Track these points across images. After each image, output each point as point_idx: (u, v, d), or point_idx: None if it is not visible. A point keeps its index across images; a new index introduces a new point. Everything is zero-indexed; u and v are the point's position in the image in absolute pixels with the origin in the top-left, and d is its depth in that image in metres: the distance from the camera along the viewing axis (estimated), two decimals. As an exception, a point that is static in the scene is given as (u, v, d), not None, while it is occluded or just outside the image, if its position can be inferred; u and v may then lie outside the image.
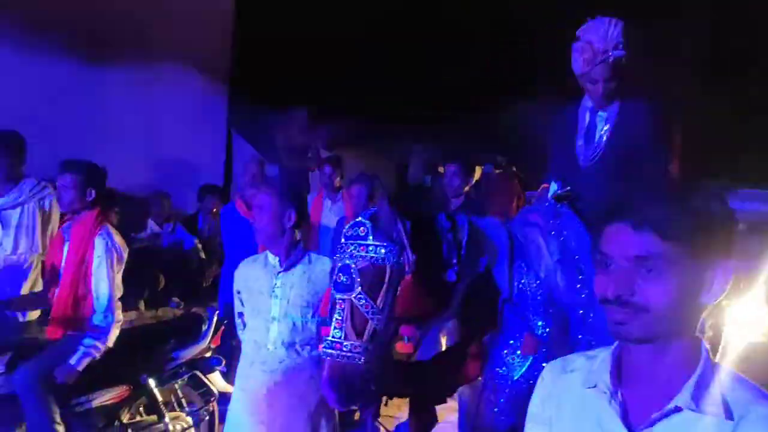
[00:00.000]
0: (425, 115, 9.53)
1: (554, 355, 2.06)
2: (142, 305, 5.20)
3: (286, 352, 2.62)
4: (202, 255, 6.08)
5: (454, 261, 2.13)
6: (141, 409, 3.61)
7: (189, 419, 3.65)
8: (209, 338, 3.75)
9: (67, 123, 6.62)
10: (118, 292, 3.38)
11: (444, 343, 3.01)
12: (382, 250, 1.93)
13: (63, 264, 3.36)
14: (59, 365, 3.19)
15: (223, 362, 3.78)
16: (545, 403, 1.27)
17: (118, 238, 3.38)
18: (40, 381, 3.12)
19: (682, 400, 1.08)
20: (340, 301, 1.95)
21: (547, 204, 2.62)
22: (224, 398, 3.57)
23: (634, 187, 1.17)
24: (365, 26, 9.58)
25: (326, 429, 2.65)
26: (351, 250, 1.95)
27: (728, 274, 1.10)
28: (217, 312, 3.99)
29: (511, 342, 2.31)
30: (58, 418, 3.12)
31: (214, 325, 3.80)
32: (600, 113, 2.71)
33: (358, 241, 1.95)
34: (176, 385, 3.66)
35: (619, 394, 1.15)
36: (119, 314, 3.37)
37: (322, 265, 2.63)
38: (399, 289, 1.96)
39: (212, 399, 3.71)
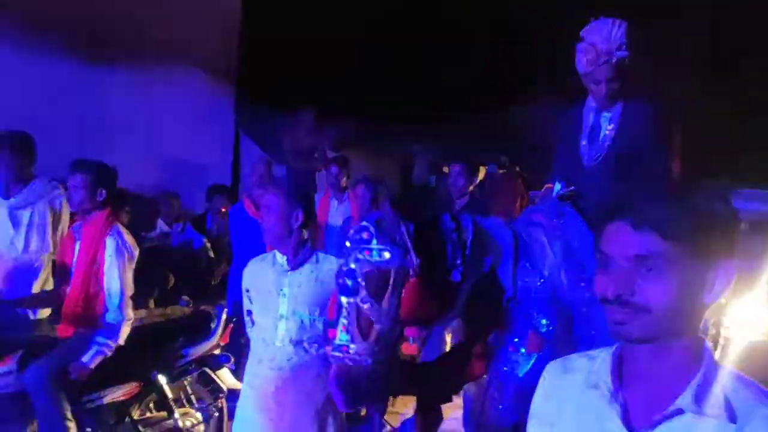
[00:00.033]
0: (430, 116, 9.55)
1: (558, 353, 2.08)
2: (151, 303, 5.25)
3: (294, 349, 2.65)
4: (211, 254, 6.13)
5: (459, 261, 2.16)
6: (151, 405, 3.66)
7: (198, 415, 3.69)
8: (218, 336, 3.80)
9: (76, 124, 6.68)
10: (129, 291, 3.42)
11: (449, 341, 3.05)
12: (386, 254, 1.96)
13: (74, 263, 3.41)
14: (71, 363, 3.24)
15: (232, 359, 3.83)
16: (546, 402, 1.27)
17: (128, 238, 3.43)
18: (51, 378, 3.16)
19: (685, 402, 1.07)
20: (346, 305, 1.98)
21: (550, 204, 2.66)
22: (233, 395, 3.62)
23: (635, 187, 1.17)
24: (371, 27, 9.60)
25: (333, 426, 2.68)
26: (355, 254, 1.98)
27: (730, 273, 1.08)
28: (226, 310, 4.03)
29: (516, 340, 2.34)
30: (69, 415, 3.17)
31: (222, 322, 3.84)
32: (604, 113, 2.74)
33: (362, 245, 1.98)
34: (186, 382, 3.71)
35: (620, 395, 1.13)
36: (130, 312, 3.42)
37: (329, 264, 2.67)
38: (404, 291, 2.00)
39: (221, 395, 3.76)
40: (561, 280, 2.37)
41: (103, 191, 3.40)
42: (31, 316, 4.04)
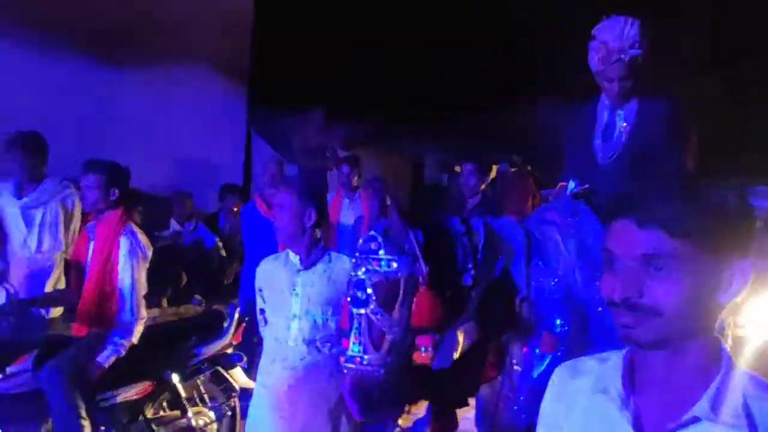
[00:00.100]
0: (440, 115, 9.55)
1: (573, 354, 2.07)
2: (164, 303, 5.28)
3: (307, 349, 2.66)
4: (223, 253, 6.15)
5: (470, 266, 2.14)
6: (164, 404, 3.67)
7: (211, 414, 3.70)
8: (231, 335, 3.80)
9: (89, 124, 6.72)
10: (143, 290, 3.44)
11: (462, 341, 3.04)
12: (395, 264, 1.95)
13: (88, 263, 3.42)
14: (85, 362, 3.26)
15: (245, 358, 3.84)
16: (554, 406, 1.22)
17: (142, 237, 3.44)
18: (66, 377, 3.18)
19: (701, 410, 1.01)
20: (357, 316, 1.98)
21: (564, 202, 2.64)
22: (246, 394, 3.63)
23: (647, 184, 1.10)
24: (382, 27, 9.61)
25: (346, 425, 2.68)
26: (364, 265, 1.98)
27: (747, 272, 1.02)
28: (238, 309, 4.04)
29: (530, 340, 2.33)
30: (83, 414, 3.18)
31: (235, 321, 3.85)
32: (618, 111, 2.72)
33: (371, 255, 1.97)
34: (199, 381, 3.71)
35: (632, 401, 1.08)
36: (144, 311, 3.43)
37: (342, 263, 2.67)
38: (414, 300, 1.99)
39: (234, 395, 3.76)
40: (575, 279, 2.35)
41: (116, 191, 3.42)
42: (45, 315, 4.08)
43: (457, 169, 7.01)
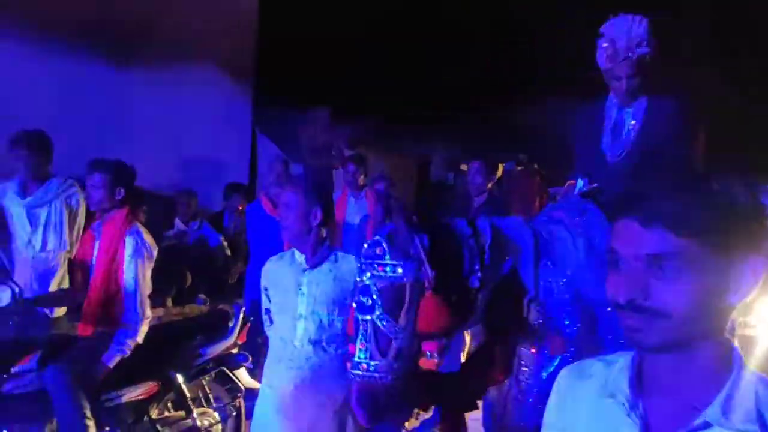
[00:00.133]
0: (446, 114, 9.55)
1: (582, 355, 2.05)
2: (169, 302, 5.27)
3: (313, 349, 2.64)
4: (228, 252, 6.14)
5: (477, 267, 2.12)
6: (169, 404, 3.66)
7: (216, 415, 3.69)
8: (236, 335, 3.79)
9: (94, 123, 6.72)
10: (148, 290, 3.42)
11: (469, 342, 3.01)
12: (400, 270, 1.93)
13: (94, 262, 3.41)
14: (90, 362, 3.25)
15: (250, 358, 3.82)
16: (560, 410, 1.19)
17: (147, 237, 3.43)
18: (71, 377, 3.17)
19: (712, 415, 0.97)
20: (363, 322, 1.96)
21: (573, 201, 2.62)
22: (251, 394, 3.62)
23: (650, 181, 1.05)
24: (388, 26, 9.62)
25: (352, 426, 2.66)
26: (370, 271, 1.96)
27: (759, 271, 0.98)
28: (243, 309, 4.03)
29: (538, 341, 2.30)
30: (88, 414, 3.17)
31: (240, 321, 3.83)
32: (627, 109, 2.71)
33: (376, 261, 1.95)
34: (203, 381, 3.70)
35: (640, 405, 1.04)
36: (148, 311, 3.42)
37: (348, 263, 2.65)
38: (420, 305, 1.97)
39: (239, 395, 3.75)
40: (584, 279, 2.32)
41: (122, 190, 3.40)
42: (49, 315, 4.07)
43: (464, 167, 7.00)
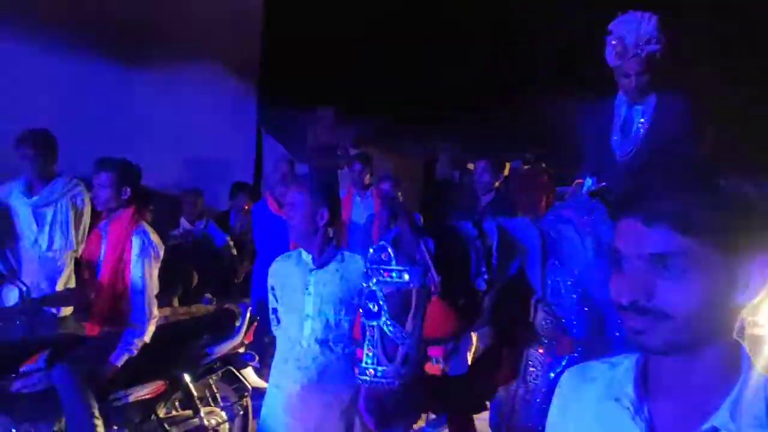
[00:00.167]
0: (452, 113, 9.55)
1: (591, 355, 2.04)
2: (175, 302, 5.27)
3: (320, 349, 2.63)
4: (234, 252, 6.14)
5: (483, 269, 2.11)
6: (176, 403, 3.66)
7: (223, 414, 3.69)
8: (242, 334, 3.79)
9: (100, 122, 6.73)
10: (155, 289, 3.43)
11: (476, 341, 3.00)
12: (406, 275, 1.93)
13: (101, 262, 3.41)
14: (98, 361, 3.26)
15: (257, 358, 3.82)
16: (563, 413, 1.15)
17: (154, 236, 3.43)
18: (78, 377, 3.17)
19: (720, 420, 0.94)
20: (370, 328, 1.96)
21: (581, 200, 2.60)
22: (258, 393, 3.62)
23: (654, 178, 1.01)
24: (393, 26, 9.63)
25: (359, 425, 2.66)
26: (376, 276, 1.96)
27: (766, 270, 0.95)
28: (250, 308, 4.03)
29: (546, 341, 2.29)
30: (96, 413, 3.17)
31: (247, 321, 3.83)
32: (636, 107, 2.70)
33: (382, 267, 1.95)
34: (210, 381, 3.70)
35: (645, 409, 1.01)
36: (155, 311, 3.42)
37: (355, 263, 2.64)
38: (426, 310, 1.96)
39: (246, 394, 3.75)
40: (592, 278, 2.30)
41: (128, 189, 3.40)
42: (56, 314, 4.08)
43: (470, 166, 6.98)
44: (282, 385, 2.71)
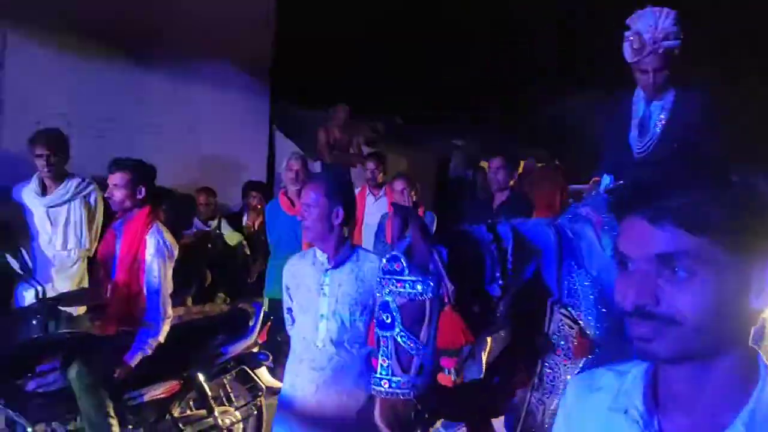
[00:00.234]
0: (465, 112, 9.53)
1: (608, 357, 2.00)
2: (189, 301, 5.29)
3: (335, 350, 2.61)
4: (247, 251, 6.15)
5: (498, 275, 2.08)
6: (191, 403, 3.66)
7: (237, 414, 3.69)
8: (256, 334, 3.78)
9: (113, 122, 6.76)
10: (169, 289, 3.43)
11: (490, 342, 2.97)
12: (419, 286, 1.91)
13: (116, 261, 3.42)
14: (113, 361, 3.26)
15: (270, 357, 3.81)
16: (568, 425, 1.09)
17: (168, 236, 3.43)
18: (94, 376, 3.18)
19: None
20: (384, 339, 1.95)
21: (598, 198, 2.57)
22: (271, 393, 3.62)
23: (661, 174, 0.96)
24: (406, 25, 9.63)
25: (375, 426, 2.64)
26: (389, 286, 1.94)
27: None
28: (264, 308, 4.02)
29: (563, 343, 2.26)
30: (111, 412, 3.19)
31: (260, 320, 3.83)
32: (654, 103, 2.67)
33: (395, 277, 1.94)
34: (225, 380, 3.70)
35: (655, 422, 0.95)
36: (170, 310, 3.42)
37: (370, 262, 2.62)
38: (439, 320, 1.94)
39: (260, 394, 3.74)
40: (610, 279, 2.27)
41: (143, 189, 3.40)
42: (72, 314, 4.10)
43: (484, 164, 6.95)
44: (297, 386, 2.70)
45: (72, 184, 4.25)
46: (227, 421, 3.62)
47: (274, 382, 3.72)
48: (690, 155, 2.52)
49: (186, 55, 7.23)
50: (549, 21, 10.77)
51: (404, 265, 1.92)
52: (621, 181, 2.56)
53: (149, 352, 3.33)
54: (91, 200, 4.31)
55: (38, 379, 3.19)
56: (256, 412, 3.76)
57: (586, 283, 2.27)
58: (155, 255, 3.33)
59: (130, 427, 3.37)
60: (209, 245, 5.85)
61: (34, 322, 3.65)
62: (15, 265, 3.65)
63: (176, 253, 3.46)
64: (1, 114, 6.23)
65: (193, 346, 3.60)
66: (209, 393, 3.57)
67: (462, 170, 8.74)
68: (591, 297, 2.26)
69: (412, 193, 5.18)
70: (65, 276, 4.25)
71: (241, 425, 3.72)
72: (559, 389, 2.24)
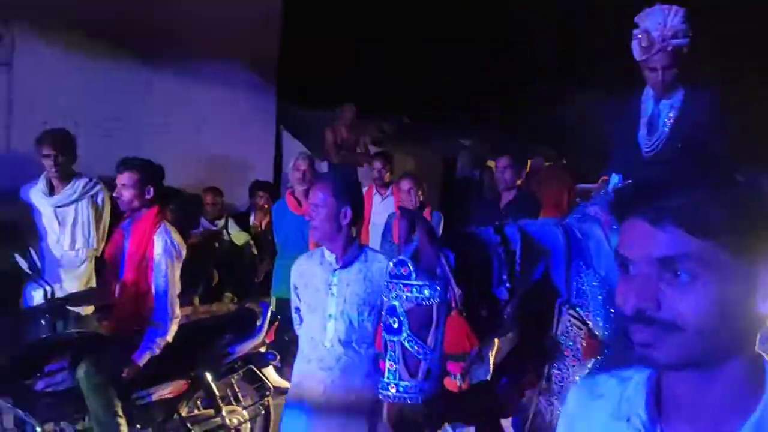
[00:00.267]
0: (470, 112, 9.53)
1: (617, 358, 2.00)
2: (196, 300, 5.30)
3: (344, 350, 2.61)
4: (254, 251, 6.15)
5: (505, 278, 2.08)
6: (198, 402, 3.67)
7: (245, 413, 3.69)
8: (264, 333, 3.78)
9: (119, 121, 6.79)
10: (177, 289, 3.43)
11: (497, 342, 2.96)
12: (426, 291, 1.91)
13: (124, 261, 3.42)
14: (121, 360, 3.27)
15: (278, 357, 3.81)
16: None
17: (176, 236, 3.43)
18: (102, 376, 3.19)
19: None
20: (391, 343, 1.95)
21: (607, 197, 2.56)
22: (279, 393, 3.62)
23: (663, 174, 0.92)
24: (412, 25, 9.63)
25: (383, 426, 2.63)
26: (396, 291, 1.94)
27: None
28: (272, 307, 4.02)
29: (571, 344, 2.25)
30: (119, 412, 3.19)
31: (268, 320, 3.83)
32: (663, 101, 2.65)
33: (402, 281, 1.93)
34: (232, 380, 3.70)
35: (658, 431, 0.91)
36: (178, 310, 3.43)
37: (378, 262, 2.61)
38: (446, 324, 1.94)
39: (268, 393, 3.74)
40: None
41: (152, 189, 3.40)
42: (80, 313, 4.12)
43: (490, 164, 6.93)
44: (304, 386, 2.70)
45: (79, 184, 4.26)
46: (235, 421, 3.62)
47: (281, 382, 3.72)
48: (695, 154, 2.51)
49: (193, 55, 7.26)
50: (549, 21, 10.76)
51: (411, 269, 1.92)
52: (630, 181, 2.55)
53: (157, 351, 3.34)
54: (99, 200, 4.32)
55: (47, 379, 3.20)
56: (263, 412, 3.76)
57: (594, 284, 2.26)
58: (163, 255, 3.34)
59: (138, 426, 3.38)
60: (216, 244, 5.86)
61: (42, 321, 3.67)
62: (24, 265, 3.65)
63: (184, 253, 3.46)
64: (10, 114, 6.27)
65: (200, 345, 3.60)
66: (217, 392, 3.58)
67: (469, 170, 8.73)
68: (599, 297, 2.25)
69: (419, 192, 5.17)
70: (73, 276, 4.26)
71: (248, 425, 3.72)
72: (568, 390, 2.22)
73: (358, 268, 2.64)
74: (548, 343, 2.29)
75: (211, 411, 3.60)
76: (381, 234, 5.24)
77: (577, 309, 2.26)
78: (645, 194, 0.88)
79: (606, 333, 2.23)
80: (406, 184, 5.16)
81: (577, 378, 2.22)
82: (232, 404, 3.70)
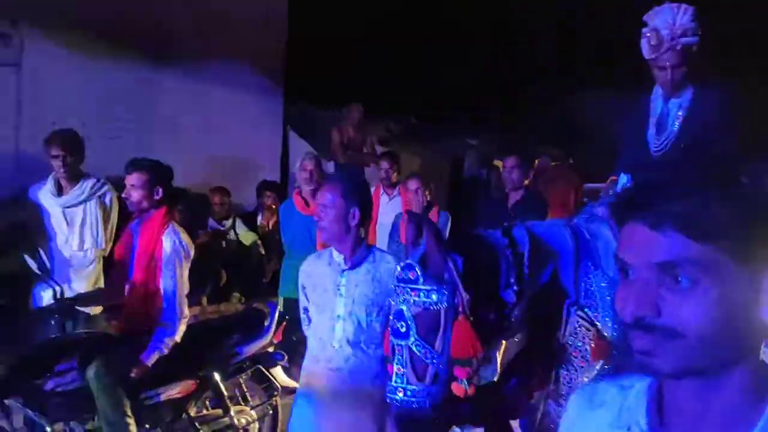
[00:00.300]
0: (477, 112, 9.52)
1: (625, 360, 1.99)
2: (204, 301, 5.31)
3: (352, 350, 2.61)
4: (262, 251, 6.16)
5: (513, 280, 2.07)
6: (207, 402, 3.68)
7: (253, 413, 3.69)
8: (272, 333, 3.79)
9: (127, 122, 6.81)
10: (185, 289, 3.44)
11: (505, 344, 2.96)
12: (434, 296, 1.91)
13: (133, 262, 3.43)
14: (130, 361, 3.28)
15: (286, 357, 3.82)
16: None
17: (184, 236, 3.44)
18: (111, 376, 3.20)
19: None
20: (398, 347, 1.95)
21: (615, 197, 2.55)
22: (286, 393, 3.62)
23: (665, 177, 0.89)
24: (419, 25, 9.63)
25: (391, 426, 2.63)
26: (403, 295, 1.94)
27: None
28: (280, 308, 4.03)
29: (580, 345, 2.25)
30: (128, 412, 3.20)
31: (276, 320, 3.83)
32: (673, 100, 2.64)
33: (410, 285, 1.93)
34: (240, 380, 3.71)
35: None
36: (186, 310, 3.44)
37: (386, 263, 2.61)
38: (453, 329, 1.94)
39: (276, 393, 3.75)
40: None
41: (160, 189, 3.41)
42: (89, 313, 4.13)
43: (497, 163, 6.92)
44: (313, 386, 2.70)
45: (87, 185, 4.28)
46: (243, 421, 3.63)
47: (289, 382, 3.73)
48: (700, 155, 2.49)
49: (200, 56, 7.28)
50: (549, 21, 10.73)
51: (419, 273, 1.92)
52: (631, 184, 2.54)
53: (166, 351, 3.35)
54: (107, 200, 4.34)
55: (56, 379, 3.22)
56: (271, 412, 3.77)
57: (603, 284, 2.26)
58: (172, 255, 3.34)
59: (147, 426, 3.39)
60: (224, 244, 5.87)
61: (51, 322, 3.68)
62: (33, 265, 3.67)
63: (192, 253, 3.47)
64: (18, 115, 6.29)
65: (208, 345, 3.61)
66: (225, 392, 3.58)
67: (476, 169, 8.72)
68: (608, 298, 2.24)
69: (426, 192, 5.17)
70: (82, 276, 4.28)
71: (256, 425, 3.72)
72: (575, 391, 2.21)
73: (366, 269, 2.64)
74: (556, 344, 2.28)
75: (220, 411, 3.61)
76: (388, 234, 5.24)
77: (586, 310, 2.25)
78: (645, 198, 0.86)
79: (614, 334, 2.22)
80: (413, 184, 5.16)
81: (585, 379, 2.21)
82: (240, 404, 3.71)
